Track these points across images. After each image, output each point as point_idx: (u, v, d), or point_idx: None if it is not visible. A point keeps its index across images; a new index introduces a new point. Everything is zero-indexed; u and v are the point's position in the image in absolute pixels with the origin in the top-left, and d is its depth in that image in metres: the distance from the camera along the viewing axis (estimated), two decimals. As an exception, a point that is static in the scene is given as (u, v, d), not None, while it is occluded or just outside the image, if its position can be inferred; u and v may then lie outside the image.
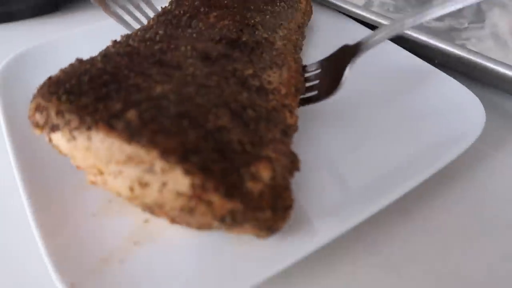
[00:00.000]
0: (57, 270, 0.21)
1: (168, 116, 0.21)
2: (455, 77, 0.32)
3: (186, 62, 0.25)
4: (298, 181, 0.23)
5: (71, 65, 0.25)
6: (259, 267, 0.21)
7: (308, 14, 0.38)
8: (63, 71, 0.24)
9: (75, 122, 0.21)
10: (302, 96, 0.29)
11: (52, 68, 0.25)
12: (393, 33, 0.28)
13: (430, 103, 0.31)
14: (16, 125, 0.29)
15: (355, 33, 0.38)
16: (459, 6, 0.26)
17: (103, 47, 0.28)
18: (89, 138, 0.21)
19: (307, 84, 0.30)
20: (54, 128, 0.22)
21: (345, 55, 0.28)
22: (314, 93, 0.29)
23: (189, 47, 0.27)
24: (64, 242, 0.23)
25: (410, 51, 0.35)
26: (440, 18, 0.42)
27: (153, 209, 0.21)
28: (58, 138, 0.22)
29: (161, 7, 0.34)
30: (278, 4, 0.35)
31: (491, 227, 0.26)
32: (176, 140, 0.20)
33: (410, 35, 0.36)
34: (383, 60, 0.34)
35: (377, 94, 0.32)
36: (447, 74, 0.32)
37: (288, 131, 0.24)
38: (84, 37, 0.37)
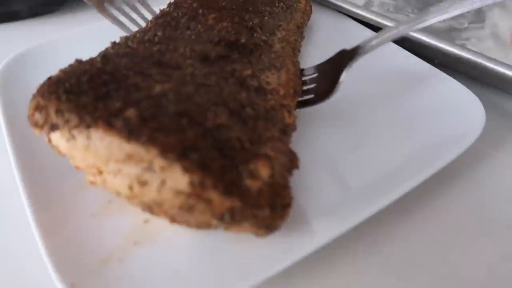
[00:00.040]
0: (57, 270, 0.21)
1: (167, 114, 0.21)
2: (455, 77, 0.32)
3: (185, 62, 0.25)
4: (297, 181, 0.23)
5: (71, 65, 0.25)
6: (259, 267, 0.21)
7: (307, 13, 0.38)
8: (62, 71, 0.24)
9: (74, 121, 0.21)
10: (299, 99, 0.29)
11: (52, 68, 0.25)
12: (391, 37, 0.28)
13: (430, 103, 0.31)
14: (16, 125, 0.29)
15: (355, 33, 0.39)
16: (458, 12, 0.26)
17: (103, 47, 0.28)
18: (88, 137, 0.21)
19: (304, 88, 0.30)
20: (53, 128, 0.22)
21: (342, 59, 0.28)
22: (311, 96, 0.29)
23: (188, 49, 0.27)
24: (64, 242, 0.23)
25: (410, 51, 0.35)
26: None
27: (153, 208, 0.21)
28: (58, 137, 0.22)
29: (160, 9, 0.34)
30: (277, 4, 0.35)
31: (491, 227, 0.26)
32: (175, 138, 0.20)
33: (410, 35, 0.36)
34: (383, 60, 0.34)
35: (377, 94, 0.32)
36: (447, 74, 0.32)
37: (287, 130, 0.24)
38: (84, 37, 0.37)
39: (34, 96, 0.23)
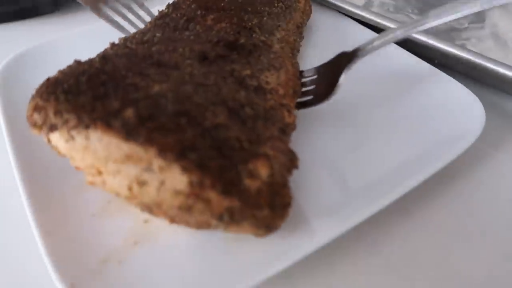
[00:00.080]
0: (57, 270, 0.21)
1: (165, 114, 0.21)
2: (455, 77, 0.32)
3: (184, 62, 0.25)
4: (297, 181, 0.23)
5: (69, 66, 0.25)
6: (259, 267, 0.21)
7: (307, 13, 0.38)
8: (61, 72, 0.24)
9: (73, 121, 0.21)
10: (298, 100, 0.29)
11: (52, 68, 0.25)
12: (392, 40, 0.28)
13: (430, 103, 0.31)
14: (16, 125, 0.29)
15: (355, 33, 0.39)
16: (459, 15, 0.26)
17: (103, 47, 0.28)
18: (87, 137, 0.21)
19: (303, 89, 0.30)
20: (52, 128, 0.22)
21: (342, 61, 0.28)
22: (310, 97, 0.29)
23: (187, 49, 0.27)
24: (64, 242, 0.23)
25: (410, 51, 0.35)
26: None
27: (152, 208, 0.21)
28: (57, 138, 0.22)
29: (158, 11, 0.34)
30: (276, 5, 0.35)
31: (491, 227, 0.26)
32: (173, 138, 0.20)
33: (410, 35, 0.36)
34: (383, 60, 0.34)
35: (376, 94, 0.32)
36: (447, 74, 0.32)
37: (286, 129, 0.24)
38: (83, 37, 0.37)
39: (33, 97, 0.23)
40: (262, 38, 0.30)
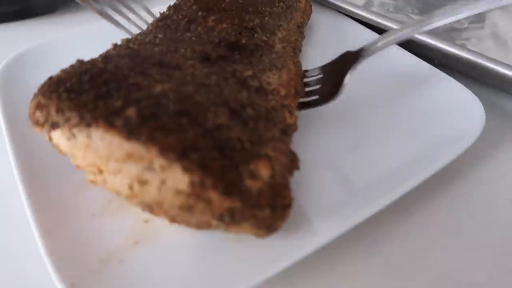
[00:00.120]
0: (57, 270, 0.21)
1: (167, 114, 0.21)
2: (455, 77, 0.32)
3: (186, 63, 0.26)
4: (298, 181, 0.23)
5: (72, 65, 0.25)
6: (259, 267, 0.21)
7: (307, 13, 0.38)
8: (63, 71, 0.24)
9: (75, 120, 0.21)
10: (302, 100, 0.29)
11: (52, 68, 0.25)
12: (396, 40, 0.28)
13: (430, 103, 0.31)
14: (16, 125, 0.29)
15: (355, 33, 0.39)
16: (464, 15, 0.26)
17: (103, 47, 0.28)
18: (88, 136, 0.21)
19: (307, 89, 0.30)
20: (54, 126, 0.22)
21: (346, 61, 0.28)
22: (315, 97, 0.29)
23: (188, 50, 0.27)
24: (64, 242, 0.23)
25: (410, 51, 0.35)
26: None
27: (153, 207, 0.21)
28: (58, 136, 0.22)
29: (160, 12, 0.34)
30: (276, 4, 0.35)
31: (491, 227, 0.26)
32: (175, 138, 0.20)
33: (414, 36, 0.36)
34: (383, 60, 0.34)
35: (376, 94, 0.32)
36: (447, 74, 0.32)
37: (288, 130, 0.24)
38: (84, 37, 0.37)
39: (35, 95, 0.23)
40: (264, 38, 0.30)
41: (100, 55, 0.26)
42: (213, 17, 0.31)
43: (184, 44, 0.28)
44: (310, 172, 0.26)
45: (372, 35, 0.37)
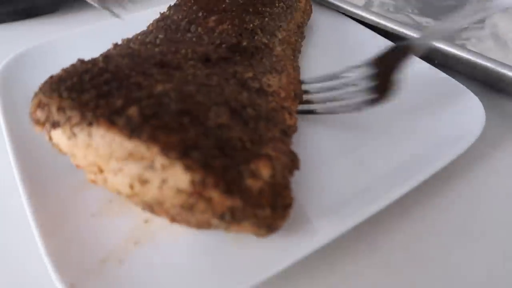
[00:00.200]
0: (57, 270, 0.21)
1: (168, 113, 0.21)
2: (455, 77, 0.32)
3: (187, 63, 0.26)
4: (298, 181, 0.23)
5: (73, 65, 0.25)
6: (259, 267, 0.21)
7: (307, 13, 0.38)
8: (65, 70, 0.24)
9: (76, 118, 0.21)
10: (362, 100, 0.28)
11: (52, 68, 0.25)
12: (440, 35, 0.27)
13: (430, 103, 0.31)
14: (16, 125, 0.29)
15: (355, 33, 0.39)
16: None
17: (103, 47, 0.28)
18: (89, 135, 0.21)
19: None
20: (55, 125, 0.22)
21: (397, 56, 0.28)
22: (374, 96, 0.28)
23: (189, 50, 0.27)
24: (64, 242, 0.23)
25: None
26: (439, 18, 0.42)
27: (153, 207, 0.21)
28: (59, 135, 0.22)
29: (160, 13, 0.34)
30: (277, 5, 0.35)
31: (491, 227, 0.26)
32: (176, 137, 0.20)
33: (410, 35, 0.36)
34: (383, 60, 0.34)
35: (377, 94, 0.32)
36: (447, 74, 0.32)
37: (288, 131, 0.24)
38: (84, 37, 0.37)
39: (36, 93, 0.23)
40: (264, 40, 0.30)
41: (101, 55, 0.26)
42: (213, 18, 0.31)
43: (184, 45, 0.28)
44: (310, 172, 0.26)
45: (372, 35, 0.37)
